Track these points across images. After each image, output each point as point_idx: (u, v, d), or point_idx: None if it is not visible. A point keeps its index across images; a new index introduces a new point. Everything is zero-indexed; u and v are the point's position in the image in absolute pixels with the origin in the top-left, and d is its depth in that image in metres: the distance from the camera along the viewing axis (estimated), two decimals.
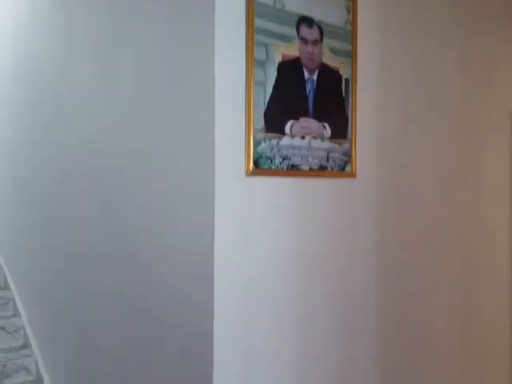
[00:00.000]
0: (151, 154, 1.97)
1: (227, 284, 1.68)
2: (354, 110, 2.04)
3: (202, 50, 1.68)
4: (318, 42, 1.90)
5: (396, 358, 2.25)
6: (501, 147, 2.79)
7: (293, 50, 1.83)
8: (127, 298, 2.11)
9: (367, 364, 2.12)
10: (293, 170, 1.86)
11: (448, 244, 2.50)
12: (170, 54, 1.84)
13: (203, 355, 1.68)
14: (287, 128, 1.83)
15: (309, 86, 1.90)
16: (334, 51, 1.95)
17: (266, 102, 1.76)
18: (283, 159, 1.83)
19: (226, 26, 1.66)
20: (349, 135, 2.04)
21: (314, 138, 1.93)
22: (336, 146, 2.00)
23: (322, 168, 1.96)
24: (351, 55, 2.02)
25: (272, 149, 1.79)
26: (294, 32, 1.82)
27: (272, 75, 1.78)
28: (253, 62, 1.71)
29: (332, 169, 2.00)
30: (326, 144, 1.97)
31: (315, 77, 1.91)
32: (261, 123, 1.75)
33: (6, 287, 3.37)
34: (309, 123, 1.90)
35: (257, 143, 1.74)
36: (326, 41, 1.92)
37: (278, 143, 1.81)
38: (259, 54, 1.73)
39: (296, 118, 1.86)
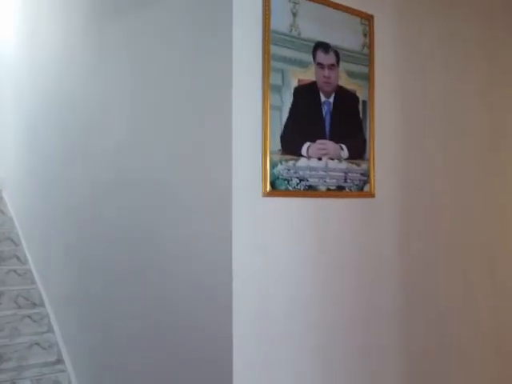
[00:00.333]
0: (169, 176, 2.05)
1: (245, 304, 1.71)
2: (371, 131, 2.08)
3: (220, 76, 1.76)
4: (334, 66, 1.95)
5: (418, 370, 2.22)
6: None
7: (309, 75, 1.89)
8: (154, 320, 2.17)
9: (392, 378, 2.10)
10: (310, 190, 1.91)
11: (471, 259, 2.47)
12: (190, 80, 1.94)
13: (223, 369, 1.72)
14: (304, 150, 1.88)
15: (325, 109, 1.95)
16: (351, 74, 2.00)
17: (283, 125, 1.82)
18: (300, 180, 1.88)
19: (243, 53, 1.73)
20: (367, 156, 2.07)
21: (331, 159, 1.97)
22: (354, 166, 2.03)
23: (340, 188, 2.00)
24: (368, 78, 2.06)
25: (289, 170, 1.84)
26: (310, 57, 1.89)
27: (288, 99, 1.84)
28: (269, 88, 1.78)
29: (350, 189, 2.03)
30: (344, 165, 2.01)
31: (332, 100, 1.96)
32: (277, 146, 1.81)
33: (41, 304, 3.51)
34: (325, 145, 1.95)
35: (273, 165, 1.80)
36: (342, 64, 1.97)
37: (294, 165, 1.86)
38: (275, 79, 1.80)
39: (313, 140, 1.91)
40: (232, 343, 1.68)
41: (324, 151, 1.94)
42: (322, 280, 1.92)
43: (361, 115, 2.05)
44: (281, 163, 1.82)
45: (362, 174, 2.06)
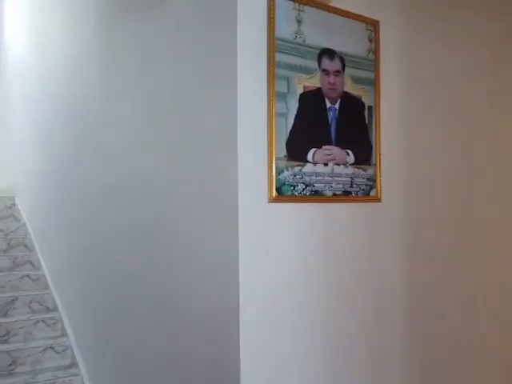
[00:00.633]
0: (176, 181, 2.08)
1: (252, 309, 1.73)
2: (377, 136, 2.09)
3: (226, 84, 1.78)
4: (339, 72, 1.97)
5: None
6: None
7: (314, 82, 1.90)
8: (165, 322, 2.20)
9: None
10: (316, 195, 1.92)
11: (480, 268, 2.46)
12: (196, 90, 1.96)
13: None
14: (309, 156, 1.89)
15: (331, 115, 1.96)
16: (356, 80, 2.01)
17: (288, 131, 1.84)
18: (306, 186, 1.89)
19: (247, 61, 1.75)
20: (373, 161, 2.08)
21: (338, 164, 1.98)
22: (360, 171, 2.04)
23: (346, 193, 2.01)
24: (374, 83, 2.07)
25: (294, 176, 1.86)
26: (315, 64, 1.90)
27: (293, 106, 1.86)
28: (274, 95, 1.80)
29: (356, 194, 2.04)
30: (350, 170, 2.02)
31: (337, 105, 1.97)
32: (283, 152, 1.83)
33: (55, 309, 3.56)
34: (332, 150, 1.96)
35: (279, 171, 1.82)
36: (348, 70, 1.99)
37: (300, 170, 1.87)
38: (281, 86, 1.82)
39: (318, 145, 1.92)
40: (239, 349, 1.69)
41: (330, 157, 1.96)
42: (330, 285, 1.93)
43: (367, 121, 2.06)
44: (287, 169, 1.84)
45: (368, 179, 2.07)
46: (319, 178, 1.93)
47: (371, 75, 2.05)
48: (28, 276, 3.86)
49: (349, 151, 2.01)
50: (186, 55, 2.03)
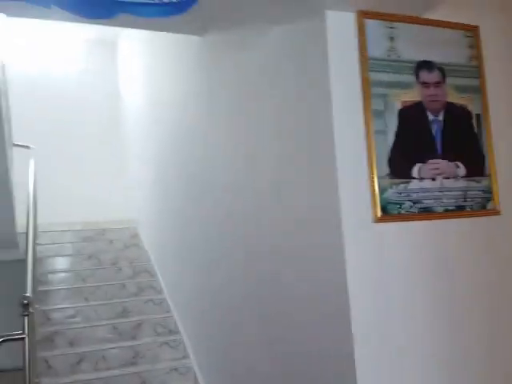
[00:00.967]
0: (279, 209, 2.12)
1: (363, 332, 1.70)
2: (489, 145, 1.95)
3: (320, 108, 1.80)
4: (440, 83, 1.89)
5: None
6: None
7: (413, 96, 1.85)
8: (283, 346, 2.23)
9: None
10: (425, 213, 1.84)
11: None
12: (293, 116, 2.01)
13: None
14: (414, 172, 1.83)
15: (435, 128, 1.88)
16: (460, 89, 1.91)
17: (389, 149, 1.80)
18: (413, 203, 1.82)
19: (341, 84, 1.76)
20: (487, 171, 1.95)
21: (447, 178, 1.88)
22: (473, 183, 1.92)
23: (460, 208, 1.90)
24: (480, 90, 1.95)
25: (400, 194, 1.80)
26: (412, 78, 1.85)
27: (393, 123, 1.81)
28: (371, 114, 1.78)
29: (471, 208, 1.92)
30: (461, 183, 1.91)
31: (441, 117, 1.89)
32: (385, 170, 1.79)
33: (177, 331, 3.78)
34: (439, 164, 1.87)
35: (383, 190, 1.78)
36: (449, 80, 1.90)
37: (406, 188, 1.81)
38: (377, 104, 1.79)
39: (423, 160, 1.85)
40: (355, 371, 1.67)
41: (437, 171, 1.87)
42: (445, 308, 1.82)
43: (475, 129, 1.94)
44: (390, 187, 1.79)
45: (483, 191, 1.94)
46: (427, 193, 1.85)
47: (475, 82, 1.94)
48: (151, 300, 4.15)
49: (458, 163, 1.90)
50: (285, 85, 2.08)
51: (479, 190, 1.94)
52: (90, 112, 5.65)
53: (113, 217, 5.23)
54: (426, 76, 1.87)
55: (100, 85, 5.80)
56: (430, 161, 1.86)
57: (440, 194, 1.87)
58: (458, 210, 1.89)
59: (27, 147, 4.42)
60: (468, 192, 1.91)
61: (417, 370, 1.75)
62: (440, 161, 1.88)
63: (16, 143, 4.11)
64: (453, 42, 1.91)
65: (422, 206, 1.84)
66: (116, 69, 5.95)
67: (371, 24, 1.81)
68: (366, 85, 1.78)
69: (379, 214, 1.76)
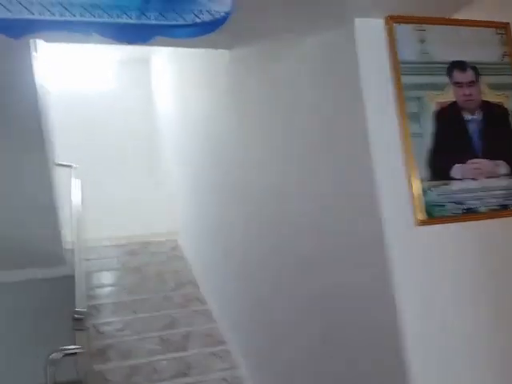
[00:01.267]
0: (318, 215, 2.14)
1: (413, 339, 1.69)
2: None
3: (353, 115, 1.82)
4: (474, 82, 1.87)
5: None
6: None
7: (447, 97, 1.84)
8: (327, 362, 2.25)
9: None
10: (469, 213, 1.82)
11: None
12: (325, 123, 2.03)
13: None
14: (454, 172, 1.82)
15: (472, 127, 1.86)
16: (495, 87, 1.89)
17: (427, 151, 1.79)
18: (456, 204, 1.81)
19: (373, 89, 1.77)
20: None
21: (489, 177, 1.86)
22: None
23: (504, 207, 1.87)
24: None
25: (441, 195, 1.79)
26: (445, 79, 1.84)
27: (428, 124, 1.81)
28: (406, 117, 1.78)
29: None
30: (505, 181, 1.88)
31: (478, 116, 1.87)
32: (424, 172, 1.78)
33: (224, 342, 3.82)
34: (479, 164, 1.85)
35: (423, 192, 1.77)
36: (483, 78, 1.88)
37: (447, 189, 1.80)
38: (411, 108, 1.79)
39: (462, 161, 1.83)
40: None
41: (478, 171, 1.85)
42: (494, 312, 1.79)
43: None
44: (430, 189, 1.79)
45: None
46: (470, 194, 1.83)
47: (510, 79, 1.91)
48: (197, 311, 4.21)
49: (499, 162, 1.88)
50: (317, 94, 2.11)
51: None
52: (126, 128, 5.80)
53: (154, 230, 5.35)
54: (459, 76, 1.86)
55: (135, 101, 5.96)
56: (470, 161, 1.84)
57: (483, 193, 1.85)
58: (502, 209, 1.87)
59: (69, 166, 4.59)
60: (511, 190, 1.88)
61: (468, 373, 1.73)
62: (480, 160, 1.86)
63: (59, 163, 4.28)
64: (484, 41, 1.89)
65: (465, 206, 1.82)
66: (149, 84, 6.10)
67: (401, 28, 1.82)
68: (399, 88, 1.79)
69: (422, 217, 1.76)
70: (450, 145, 1.83)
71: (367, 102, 1.76)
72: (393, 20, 1.81)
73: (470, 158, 1.85)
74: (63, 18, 1.67)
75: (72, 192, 4.33)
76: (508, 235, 1.86)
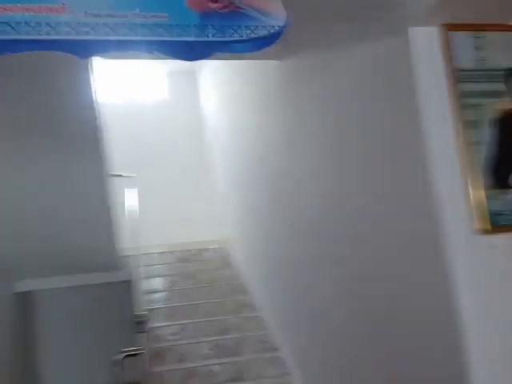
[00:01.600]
0: (375, 228, 2.14)
1: (482, 358, 1.67)
2: None
3: (409, 126, 1.83)
4: None
5: None
6: None
7: (506, 104, 1.81)
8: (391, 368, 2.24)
9: None
10: None
11: None
12: (380, 133, 2.03)
13: None
14: None
15: None
16: None
17: (488, 159, 1.77)
18: None
19: (429, 99, 1.77)
20: None
21: None
22: None
23: None
24: None
25: (503, 203, 1.76)
26: (502, 86, 1.81)
27: (486, 132, 1.79)
28: (463, 125, 1.76)
29: None
30: None
31: None
32: (486, 180, 1.76)
33: (276, 348, 3.85)
34: None
35: (484, 201, 1.74)
36: None
37: (507, 198, 1.77)
38: (469, 115, 1.78)
39: None
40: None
41: None
42: None
43: None
44: (492, 197, 1.76)
45: None
46: None
47: None
48: (249, 317, 4.26)
49: None
50: (371, 106, 2.12)
51: None
52: (177, 139, 5.99)
53: (206, 237, 5.47)
54: None
55: (185, 113, 6.15)
56: None
57: None
58: None
59: (120, 176, 4.77)
60: None
61: None
62: None
63: (112, 173, 4.46)
64: None
65: None
66: (198, 97, 6.26)
67: (456, 36, 1.81)
68: (456, 96, 1.78)
69: (485, 225, 1.73)
70: (509, 152, 1.80)
71: (423, 111, 1.76)
72: (448, 28, 1.80)
73: None
74: (128, 38, 1.76)
75: (129, 200, 4.50)
76: None
